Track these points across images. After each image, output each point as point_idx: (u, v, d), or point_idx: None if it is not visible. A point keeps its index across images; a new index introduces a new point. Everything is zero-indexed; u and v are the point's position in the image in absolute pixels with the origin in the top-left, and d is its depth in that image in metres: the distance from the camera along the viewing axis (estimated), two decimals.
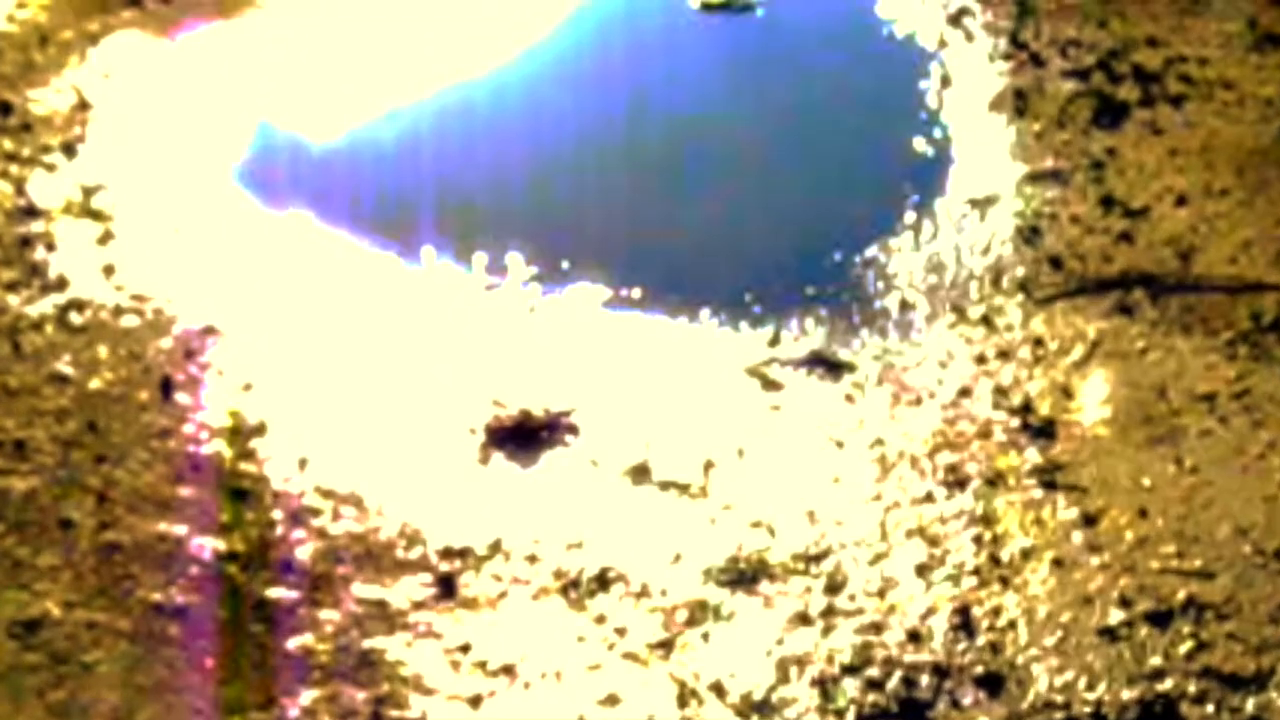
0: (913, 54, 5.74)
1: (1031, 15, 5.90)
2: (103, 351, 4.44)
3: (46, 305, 4.59)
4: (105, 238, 4.89)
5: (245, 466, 4.04)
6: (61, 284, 4.68)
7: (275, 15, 6.21)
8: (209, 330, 4.51)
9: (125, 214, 4.99)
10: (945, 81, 5.56)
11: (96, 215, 4.99)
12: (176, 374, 4.34)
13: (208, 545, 3.81)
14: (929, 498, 3.89)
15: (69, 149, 5.32)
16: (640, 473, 3.99)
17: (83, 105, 5.57)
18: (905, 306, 4.55)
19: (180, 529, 3.85)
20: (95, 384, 4.32)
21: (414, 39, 6.02)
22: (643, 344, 4.44)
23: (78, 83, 5.70)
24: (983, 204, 4.92)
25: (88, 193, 5.10)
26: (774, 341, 4.41)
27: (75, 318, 4.56)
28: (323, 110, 5.64)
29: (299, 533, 3.84)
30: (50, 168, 5.21)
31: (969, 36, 5.79)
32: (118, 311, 4.58)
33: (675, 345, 4.43)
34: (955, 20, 5.90)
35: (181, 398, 4.27)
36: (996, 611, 3.60)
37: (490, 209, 4.96)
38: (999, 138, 5.24)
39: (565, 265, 4.72)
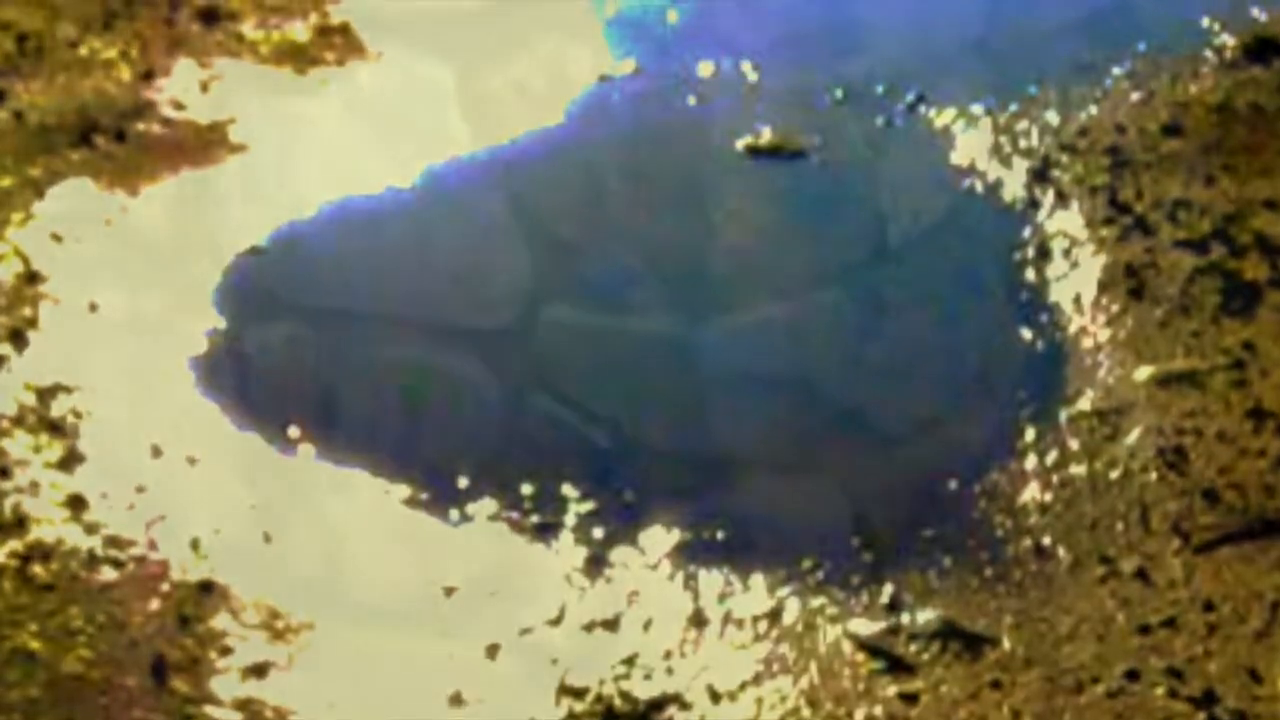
0: (998, 216, 5.25)
1: (1127, 168, 5.44)
2: (77, 618, 3.84)
3: (2, 554, 3.99)
4: (70, 460, 4.29)
5: None
6: (21, 524, 4.08)
7: (242, 153, 5.64)
8: (207, 587, 3.92)
9: (92, 427, 4.39)
10: (1043, 253, 5.07)
11: (56, 428, 4.39)
12: (171, 651, 3.75)
13: None
14: None
15: (17, 337, 4.72)
16: None
17: (31, 277, 4.97)
18: (1042, 555, 4.03)
19: None
20: (70, 665, 3.71)
21: (407, 201, 5.48)
22: (733, 607, 3.89)
23: (23, 246, 5.10)
24: (1111, 417, 4.43)
25: (43, 396, 4.49)
26: (894, 606, 3.88)
27: (39, 571, 3.95)
28: (307, 283, 5.06)
29: None
30: None
31: (1061, 196, 5.31)
32: (92, 562, 3.98)
33: (774, 609, 3.88)
34: (1041, 174, 5.43)
35: (180, 685, 3.67)
36: None
37: (532, 426, 4.40)
38: (1116, 327, 4.75)
39: (630, 497, 4.17)
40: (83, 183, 5.43)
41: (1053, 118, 5.70)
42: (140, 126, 5.73)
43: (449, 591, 3.92)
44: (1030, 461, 4.29)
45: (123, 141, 5.68)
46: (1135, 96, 5.82)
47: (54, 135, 5.67)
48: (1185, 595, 3.91)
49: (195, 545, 4.04)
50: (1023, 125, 5.67)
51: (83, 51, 6.05)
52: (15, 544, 4.02)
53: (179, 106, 5.83)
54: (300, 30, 6.19)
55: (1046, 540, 4.07)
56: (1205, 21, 6.21)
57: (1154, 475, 4.24)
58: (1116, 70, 5.97)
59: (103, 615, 3.85)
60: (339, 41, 6.15)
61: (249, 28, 6.20)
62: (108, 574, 3.96)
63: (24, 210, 5.28)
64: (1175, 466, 4.26)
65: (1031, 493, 4.20)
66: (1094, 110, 5.75)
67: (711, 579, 3.96)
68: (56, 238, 5.14)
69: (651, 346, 4.76)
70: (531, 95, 5.89)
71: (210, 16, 6.25)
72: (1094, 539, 4.07)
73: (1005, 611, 3.88)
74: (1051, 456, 4.31)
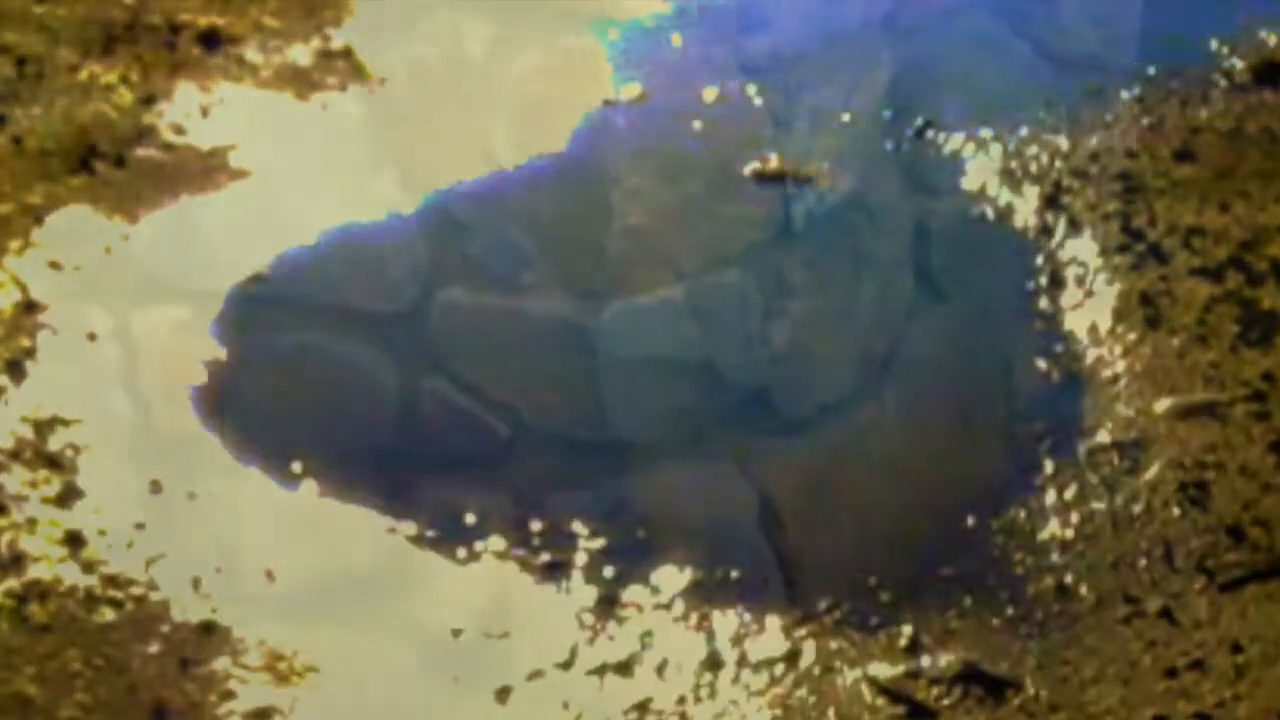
0: (1010, 245, 5.10)
1: (1139, 194, 5.29)
2: (75, 661, 3.68)
3: None
4: (68, 495, 4.13)
5: None
6: (17, 562, 3.92)
7: (243, 179, 5.47)
8: (209, 628, 3.76)
9: (92, 461, 4.23)
10: (1055, 281, 4.92)
11: (55, 463, 4.23)
12: (172, 695, 3.59)
13: None
14: None
15: (15, 367, 4.56)
16: None
17: (30, 307, 4.81)
18: (1064, 594, 3.88)
19: None
20: (68, 711, 3.56)
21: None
22: (749, 649, 3.74)
23: (21, 274, 4.94)
24: (1130, 450, 4.28)
25: (41, 429, 4.34)
26: (913, 648, 3.72)
27: (36, 612, 3.80)
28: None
29: None
30: None
31: (1074, 222, 5.16)
32: (90, 602, 3.83)
33: (790, 652, 3.73)
34: (1052, 201, 5.28)
35: None
36: None
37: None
38: (1133, 358, 4.60)
39: (641, 534, 4.02)
40: (82, 209, 5.27)
41: (1063, 143, 5.56)
42: (141, 152, 5.57)
43: (456, 634, 3.77)
44: (1048, 497, 4.15)
45: (123, 167, 5.52)
46: (1145, 121, 5.68)
47: (53, 161, 5.51)
48: (1212, 636, 3.76)
49: (196, 584, 3.88)
50: (1033, 150, 5.52)
51: (83, 76, 5.89)
52: (12, 583, 3.87)
53: (180, 131, 5.68)
54: (302, 54, 6.04)
55: (1068, 579, 3.92)
56: (1213, 44, 6.07)
57: (1176, 511, 4.10)
58: (1125, 95, 5.83)
59: (101, 658, 3.69)
60: (341, 65, 6.00)
61: (250, 51, 6.04)
62: (106, 615, 3.81)
63: (22, 237, 5.12)
64: (1198, 502, 4.12)
65: (1051, 529, 4.05)
66: (1104, 135, 5.61)
67: (726, 620, 3.80)
68: (55, 265, 4.98)
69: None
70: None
71: (211, 40, 6.09)
72: (1117, 577, 3.92)
73: (1028, 653, 3.73)
74: (1069, 492, 4.16)
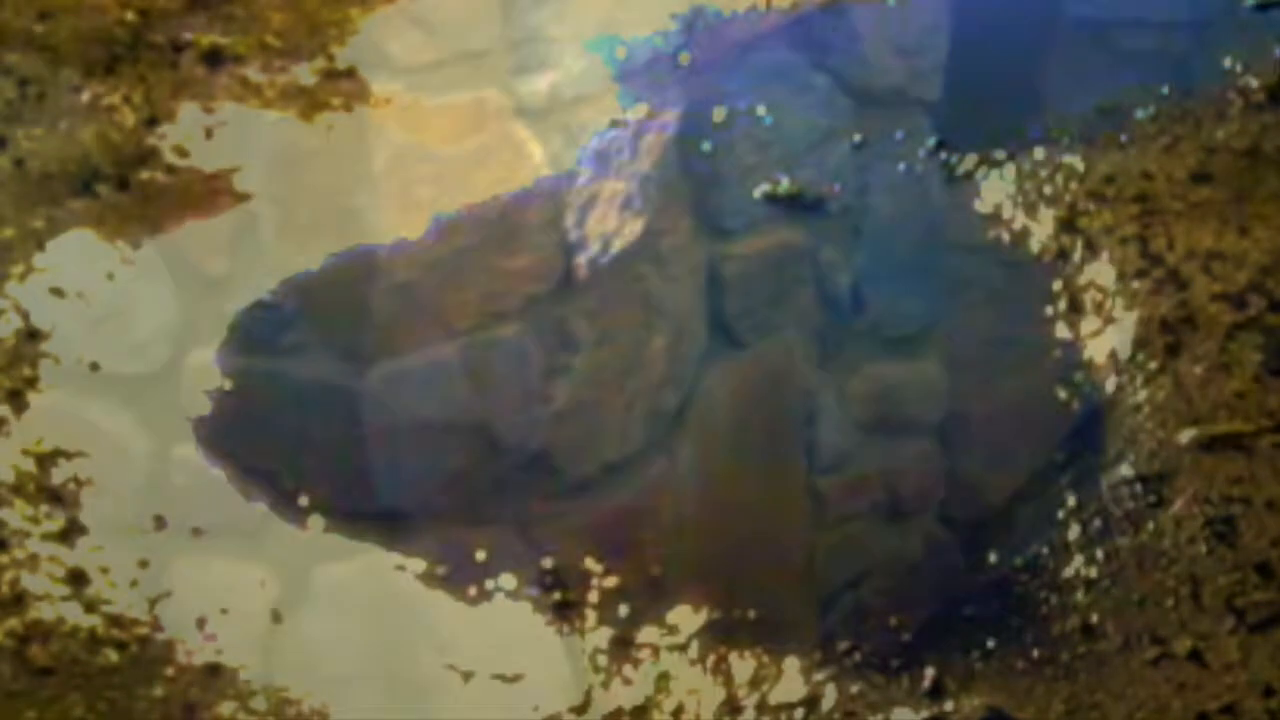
0: (1025, 268, 4.98)
1: (1158, 216, 5.17)
2: (77, 706, 3.56)
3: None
4: (71, 531, 4.01)
5: None
6: (19, 602, 3.80)
7: (247, 202, 5.35)
8: (214, 670, 3.64)
9: (95, 496, 4.11)
10: (1074, 306, 4.80)
11: (57, 498, 4.11)
12: None
13: None
14: None
15: (16, 398, 4.44)
16: None
17: (32, 335, 4.69)
18: (1090, 634, 3.76)
19: None
20: None
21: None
22: (768, 693, 3.62)
23: (23, 302, 4.81)
24: (1155, 483, 4.16)
25: (43, 463, 4.21)
26: (936, 693, 3.60)
27: (38, 653, 3.67)
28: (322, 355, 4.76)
29: None
30: None
31: (1091, 245, 5.04)
32: (94, 643, 3.71)
33: (810, 696, 3.61)
34: (1068, 223, 5.16)
35: None
36: None
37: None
38: (1155, 389, 4.48)
39: (654, 570, 3.90)
40: (85, 234, 5.15)
41: (1078, 164, 5.43)
42: (144, 174, 5.45)
43: (467, 677, 3.65)
44: (1072, 534, 4.02)
45: (126, 190, 5.40)
46: (1161, 141, 5.56)
47: (55, 184, 5.39)
48: (1243, 679, 3.64)
49: (201, 625, 3.76)
50: (1047, 172, 5.40)
51: (85, 97, 5.76)
52: (13, 623, 3.75)
53: (183, 154, 5.55)
54: (306, 74, 5.92)
55: (1094, 618, 3.80)
56: (1228, 61, 5.95)
57: (1202, 548, 3.97)
58: (1140, 114, 5.70)
59: (104, 703, 3.58)
60: (346, 86, 5.87)
61: (254, 71, 5.92)
62: (110, 656, 3.68)
63: (24, 263, 5.00)
64: (1225, 539, 3.99)
65: (1075, 569, 3.93)
66: (1119, 157, 5.49)
67: (744, 663, 3.68)
68: (58, 292, 4.86)
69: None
70: None
71: (215, 59, 5.97)
72: (1144, 617, 3.80)
73: (1055, 697, 3.60)
74: (1093, 529, 4.04)
